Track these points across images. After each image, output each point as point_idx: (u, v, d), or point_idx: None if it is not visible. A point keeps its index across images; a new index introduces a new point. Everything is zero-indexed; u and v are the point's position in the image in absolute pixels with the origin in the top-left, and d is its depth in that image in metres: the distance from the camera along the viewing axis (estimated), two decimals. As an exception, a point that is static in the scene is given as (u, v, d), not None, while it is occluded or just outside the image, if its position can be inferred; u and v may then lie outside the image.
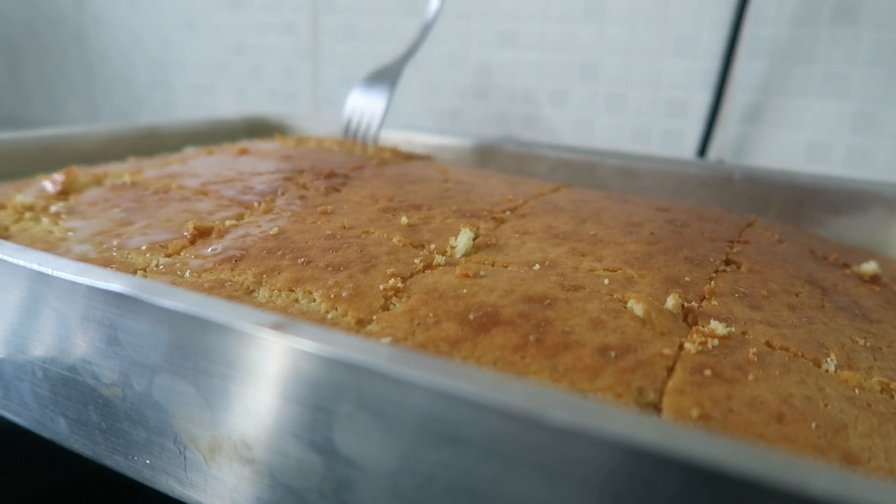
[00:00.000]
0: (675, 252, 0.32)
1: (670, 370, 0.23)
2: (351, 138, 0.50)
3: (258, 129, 0.69)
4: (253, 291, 0.29)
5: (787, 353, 0.25)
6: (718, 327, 0.26)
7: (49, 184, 0.40)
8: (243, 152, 0.50)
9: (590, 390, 0.22)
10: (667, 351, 0.24)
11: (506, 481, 0.18)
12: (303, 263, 0.30)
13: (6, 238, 0.34)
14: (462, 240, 0.32)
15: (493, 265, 0.31)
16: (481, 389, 0.18)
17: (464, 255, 0.32)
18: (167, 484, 0.26)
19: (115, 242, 0.33)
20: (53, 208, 0.37)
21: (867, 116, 0.58)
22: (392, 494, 0.20)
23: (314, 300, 0.28)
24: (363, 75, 0.55)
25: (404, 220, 0.35)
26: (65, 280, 0.25)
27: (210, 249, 0.32)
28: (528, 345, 0.24)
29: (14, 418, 0.30)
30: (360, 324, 0.26)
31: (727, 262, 0.33)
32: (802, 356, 0.25)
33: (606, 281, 0.29)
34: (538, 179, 0.51)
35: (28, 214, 0.36)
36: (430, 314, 0.26)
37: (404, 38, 0.78)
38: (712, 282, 0.30)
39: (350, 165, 0.46)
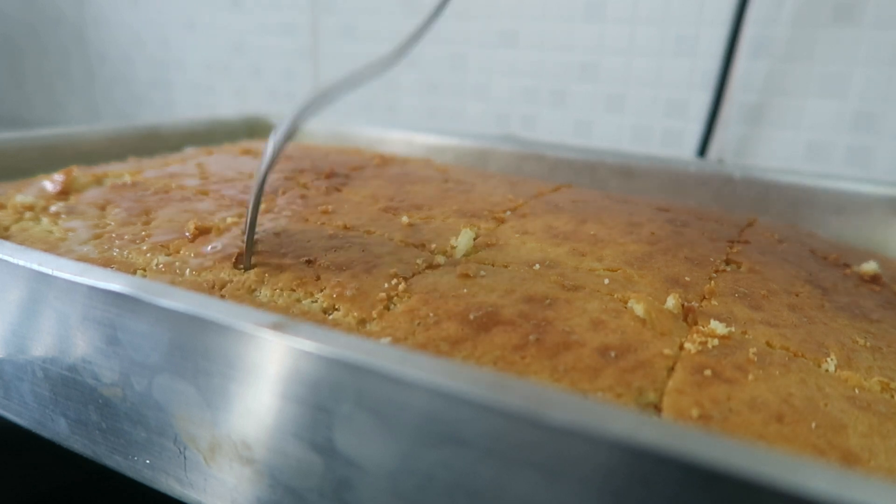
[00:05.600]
0: (675, 252, 0.32)
1: (670, 370, 0.23)
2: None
3: (258, 129, 0.69)
4: (254, 291, 0.29)
5: (787, 353, 0.25)
6: (718, 327, 0.26)
7: (49, 184, 0.40)
8: (244, 152, 0.50)
9: (590, 390, 0.22)
10: (667, 351, 0.24)
11: (506, 481, 0.18)
12: (304, 263, 0.30)
13: (6, 238, 0.34)
14: (463, 240, 0.32)
15: (493, 265, 0.31)
16: (481, 389, 0.18)
17: (464, 255, 0.32)
18: (167, 484, 0.26)
19: (115, 242, 0.33)
20: (53, 208, 0.37)
21: (867, 116, 0.58)
22: (392, 494, 0.20)
23: (316, 300, 0.28)
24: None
25: (405, 219, 0.35)
26: (65, 280, 0.25)
27: (210, 248, 0.32)
28: (529, 345, 0.24)
29: (14, 418, 0.30)
30: (362, 323, 0.26)
31: (727, 262, 0.33)
32: (802, 356, 0.25)
33: (607, 281, 0.29)
34: (538, 179, 0.51)
35: (28, 214, 0.36)
36: (431, 314, 0.26)
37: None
38: (712, 282, 0.30)
39: (350, 165, 0.46)
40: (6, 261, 0.27)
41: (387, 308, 0.27)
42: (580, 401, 0.17)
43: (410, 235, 0.34)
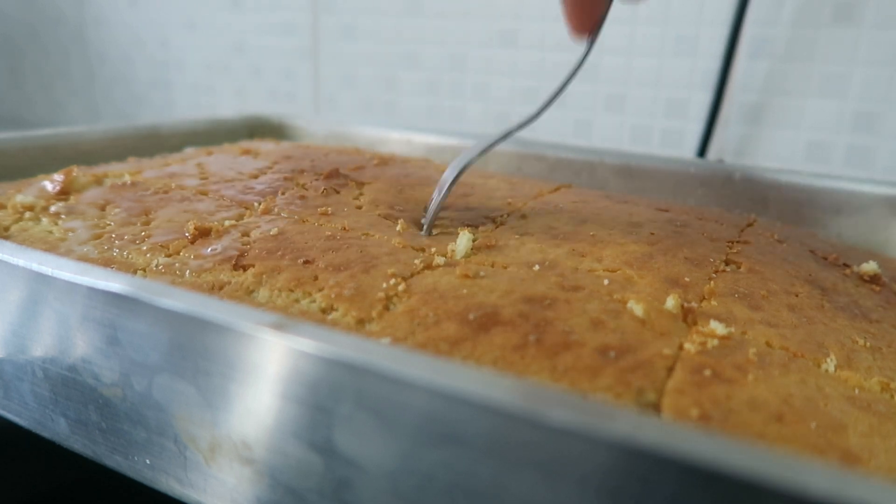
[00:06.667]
0: (675, 252, 0.32)
1: (670, 370, 0.23)
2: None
3: (258, 129, 0.69)
4: (253, 291, 0.29)
5: (786, 353, 0.25)
6: (718, 327, 0.26)
7: (49, 184, 0.40)
8: (244, 152, 0.50)
9: (589, 390, 0.22)
10: (667, 351, 0.24)
11: (505, 481, 0.18)
12: (303, 263, 0.30)
13: (6, 238, 0.34)
14: (462, 242, 0.32)
15: (493, 266, 0.31)
16: (481, 389, 0.18)
17: (463, 257, 0.32)
18: (167, 484, 0.26)
19: (115, 242, 0.33)
20: (53, 208, 0.37)
21: (867, 116, 0.58)
22: (392, 494, 0.20)
23: (314, 300, 0.28)
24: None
25: (405, 228, 0.35)
26: (65, 280, 0.25)
27: (210, 249, 0.32)
28: (528, 345, 0.24)
29: (14, 418, 0.30)
30: (361, 324, 0.26)
31: (727, 263, 0.33)
32: (802, 356, 0.25)
33: (606, 281, 0.29)
34: (538, 179, 0.51)
35: (28, 214, 0.36)
36: (431, 314, 0.26)
37: (404, 38, 0.78)
38: (712, 282, 0.30)
39: (350, 165, 0.46)
40: (6, 261, 0.27)
41: (386, 308, 0.27)
42: (580, 401, 0.17)
43: (409, 240, 0.34)
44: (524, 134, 0.73)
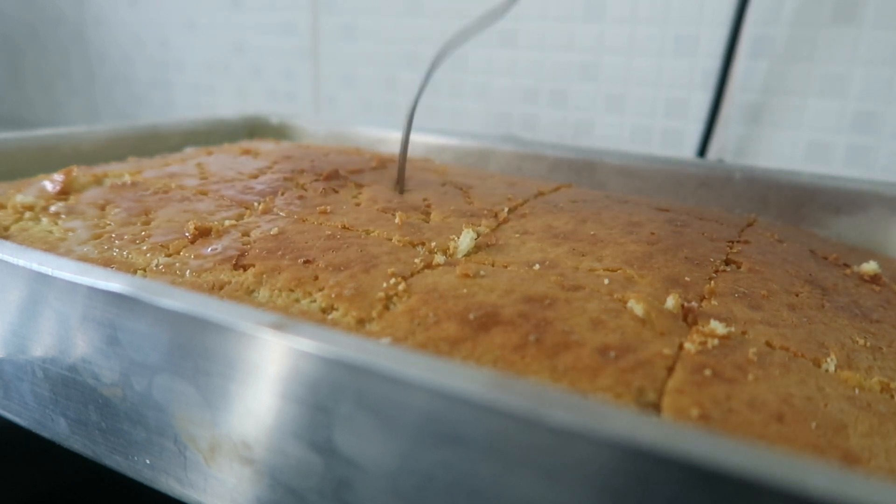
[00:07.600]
0: (675, 252, 0.32)
1: (670, 370, 0.23)
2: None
3: (258, 129, 0.69)
4: (253, 291, 0.29)
5: (787, 353, 0.25)
6: (718, 327, 0.26)
7: (49, 184, 0.40)
8: (244, 152, 0.50)
9: (590, 390, 0.22)
10: (667, 351, 0.24)
11: (506, 481, 0.18)
12: (303, 263, 0.30)
13: (6, 238, 0.34)
14: (465, 240, 0.32)
15: (493, 265, 0.31)
16: (481, 389, 0.18)
17: (465, 256, 0.32)
18: (167, 484, 0.26)
19: (115, 242, 0.33)
20: (53, 208, 0.37)
21: (867, 116, 0.57)
22: (392, 494, 0.20)
23: (314, 300, 0.28)
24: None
25: (403, 219, 0.35)
26: (65, 280, 0.25)
27: (210, 249, 0.32)
28: (528, 344, 0.24)
29: (14, 418, 0.30)
30: (361, 323, 0.26)
31: (727, 262, 0.33)
32: (802, 356, 0.25)
33: (606, 281, 0.29)
34: (538, 179, 0.51)
35: (28, 214, 0.36)
36: (431, 314, 0.26)
37: (404, 38, 0.78)
38: (712, 282, 0.30)
39: (350, 166, 0.46)
40: (6, 261, 0.27)
41: (386, 308, 0.27)
42: (580, 401, 0.17)
43: (409, 235, 0.34)
44: (524, 134, 0.73)
